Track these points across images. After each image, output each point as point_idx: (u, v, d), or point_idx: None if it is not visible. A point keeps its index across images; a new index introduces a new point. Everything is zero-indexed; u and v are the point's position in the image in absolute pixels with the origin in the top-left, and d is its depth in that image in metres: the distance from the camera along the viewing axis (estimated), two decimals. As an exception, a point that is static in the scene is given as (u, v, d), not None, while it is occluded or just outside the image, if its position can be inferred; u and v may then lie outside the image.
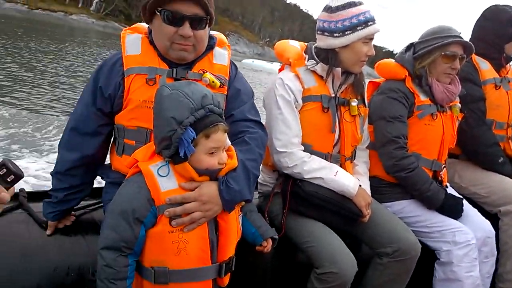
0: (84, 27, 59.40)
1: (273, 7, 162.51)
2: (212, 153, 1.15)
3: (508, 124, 2.05)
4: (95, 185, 1.54)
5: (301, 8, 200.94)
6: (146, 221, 1.11)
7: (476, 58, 2.03)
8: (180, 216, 1.12)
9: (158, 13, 1.28)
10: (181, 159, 1.12)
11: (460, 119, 1.90)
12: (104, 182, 1.49)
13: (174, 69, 1.35)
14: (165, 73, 1.35)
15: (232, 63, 1.51)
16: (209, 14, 1.32)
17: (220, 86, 1.39)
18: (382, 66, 1.95)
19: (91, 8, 72.51)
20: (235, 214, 1.24)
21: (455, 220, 1.74)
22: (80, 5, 72.50)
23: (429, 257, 1.71)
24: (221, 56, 1.47)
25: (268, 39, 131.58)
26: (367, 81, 1.86)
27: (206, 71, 1.38)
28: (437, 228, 1.72)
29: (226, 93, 1.42)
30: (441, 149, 1.83)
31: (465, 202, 1.83)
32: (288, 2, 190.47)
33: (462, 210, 1.76)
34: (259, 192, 1.82)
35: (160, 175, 1.13)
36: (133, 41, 1.40)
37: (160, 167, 1.15)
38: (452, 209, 1.75)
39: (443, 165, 1.86)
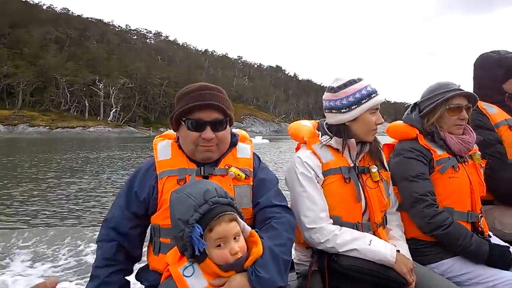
0: (100, 136, 64.60)
1: (286, 86, 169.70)
2: (220, 245, 1.18)
3: None
4: None
5: (314, 82, 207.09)
6: None
7: (482, 104, 2.11)
8: None
9: (183, 122, 1.51)
10: (201, 257, 1.18)
11: (483, 165, 1.91)
12: None
13: (202, 168, 1.52)
14: (194, 172, 1.51)
15: (255, 155, 1.67)
16: (228, 116, 1.52)
17: (245, 178, 1.52)
18: (392, 129, 2.05)
19: (109, 119, 78.93)
20: None
21: (508, 271, 1.66)
22: (99, 118, 79.70)
23: None
24: (244, 150, 1.64)
25: (284, 115, 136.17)
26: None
27: (231, 166, 1.53)
28: (491, 283, 1.65)
29: (252, 184, 1.55)
30: (473, 199, 1.82)
31: None
32: (300, 79, 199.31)
33: (511, 259, 1.69)
34: (296, 273, 1.84)
35: (186, 276, 1.18)
36: (164, 147, 1.61)
37: (185, 268, 1.21)
38: (501, 260, 1.69)
39: (480, 215, 1.84)
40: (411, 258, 1.66)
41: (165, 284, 1.25)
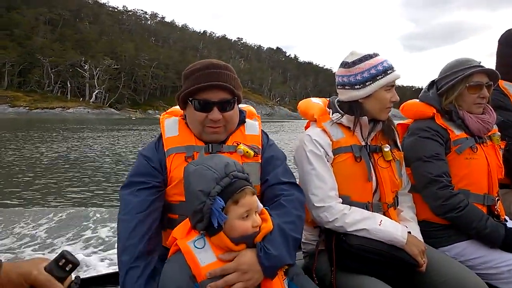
0: (78, 117, 64.24)
1: (285, 68, 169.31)
2: (246, 216, 1.21)
3: None
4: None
5: (314, 64, 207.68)
6: None
7: (504, 84, 2.05)
8: None
9: (190, 102, 1.50)
10: (216, 230, 1.20)
11: (503, 147, 1.89)
12: None
13: (210, 145, 1.52)
14: (202, 149, 1.51)
15: (263, 132, 1.66)
16: (236, 96, 1.50)
17: (254, 155, 1.52)
18: (408, 107, 2.02)
19: (91, 100, 78.82)
20: (279, 280, 1.25)
21: None
22: (84, 100, 79.81)
23: None
24: (252, 127, 1.63)
25: (279, 98, 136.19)
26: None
27: (240, 143, 1.53)
28: (505, 268, 1.64)
29: (260, 161, 1.55)
30: (490, 182, 1.80)
31: None
32: (300, 61, 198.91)
33: None
34: (303, 252, 1.82)
35: (197, 248, 1.21)
36: (171, 124, 1.61)
37: (196, 240, 1.23)
38: None
39: (497, 198, 1.83)
40: (422, 240, 1.65)
41: (173, 258, 1.26)
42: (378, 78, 1.64)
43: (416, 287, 1.60)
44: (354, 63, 1.68)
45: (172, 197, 1.49)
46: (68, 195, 8.74)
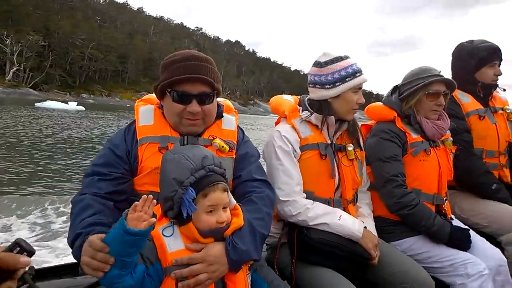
0: None
1: (241, 62, 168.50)
2: (211, 211, 1.24)
3: (499, 152, 2.25)
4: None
5: (273, 60, 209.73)
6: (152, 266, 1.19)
7: (457, 93, 2.27)
8: (187, 278, 1.19)
9: (168, 93, 1.49)
10: (185, 220, 1.23)
11: (454, 151, 2.11)
12: None
13: (185, 137, 1.53)
14: (177, 141, 1.51)
15: (239, 128, 1.70)
16: (215, 89, 1.52)
17: (229, 150, 1.56)
18: (371, 110, 2.18)
19: (7, 78, 72.14)
20: (242, 274, 1.30)
21: (465, 252, 1.86)
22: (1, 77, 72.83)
23: None
24: (229, 122, 1.67)
25: (229, 92, 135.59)
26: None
27: (216, 137, 1.55)
28: (448, 262, 1.83)
29: (234, 157, 1.59)
30: (440, 183, 2.00)
31: (472, 232, 1.97)
32: (258, 56, 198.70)
33: (470, 241, 1.90)
34: (266, 244, 1.88)
35: (165, 235, 1.22)
36: (146, 112, 1.59)
37: (165, 227, 1.25)
38: (460, 241, 1.88)
39: (445, 198, 2.04)
40: (376, 235, 1.80)
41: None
42: (347, 80, 1.75)
43: (369, 279, 1.74)
44: (326, 63, 1.79)
45: (142, 186, 1.49)
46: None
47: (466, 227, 1.99)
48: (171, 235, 1.22)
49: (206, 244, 1.24)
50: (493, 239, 2.04)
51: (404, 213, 1.88)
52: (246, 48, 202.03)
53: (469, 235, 1.89)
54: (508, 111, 2.32)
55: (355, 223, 1.70)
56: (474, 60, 2.29)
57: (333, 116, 1.78)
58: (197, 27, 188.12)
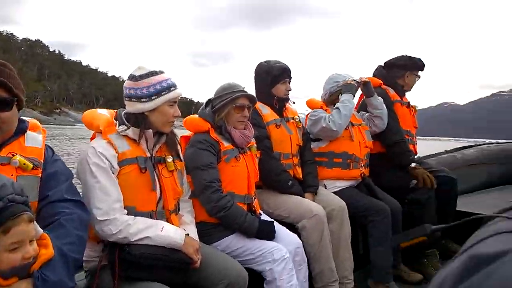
0: None
1: (43, 64, 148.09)
2: (15, 248, 1.11)
3: (292, 154, 2.68)
4: None
5: (84, 64, 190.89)
6: None
7: (259, 105, 2.62)
8: None
9: None
10: None
11: (258, 156, 2.42)
12: None
13: None
14: None
15: (48, 146, 1.56)
16: (16, 96, 1.37)
17: (33, 168, 1.41)
18: (189, 122, 2.33)
19: None
20: None
21: (271, 241, 2.17)
22: None
23: (260, 280, 2.08)
24: (34, 139, 1.51)
25: (26, 98, 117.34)
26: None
27: (16, 154, 1.39)
28: (259, 253, 2.11)
29: (40, 175, 1.44)
30: (249, 184, 2.30)
31: (276, 224, 2.33)
32: (67, 59, 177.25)
33: (274, 231, 2.23)
34: (85, 271, 1.75)
35: None
36: None
37: None
38: (266, 233, 2.19)
39: (254, 197, 2.35)
40: (198, 239, 1.93)
41: None
42: (163, 93, 1.81)
43: (193, 282, 1.85)
44: (141, 77, 1.81)
45: None
46: None
47: (272, 219, 2.33)
48: None
49: (9, 286, 1.09)
50: (292, 227, 2.45)
51: (221, 215, 2.07)
52: (51, 49, 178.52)
53: (274, 227, 2.21)
54: (297, 119, 2.83)
55: (177, 232, 1.77)
56: (270, 77, 2.70)
57: (151, 130, 1.82)
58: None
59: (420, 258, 3.05)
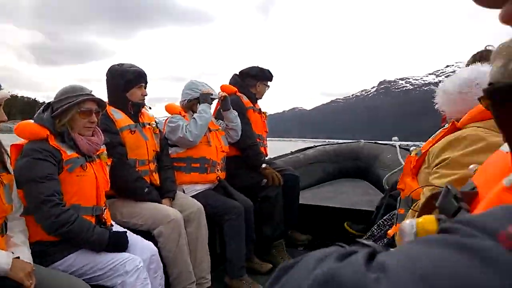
0: None
1: None
2: None
3: (149, 160, 2.60)
4: None
5: None
6: None
7: (111, 110, 2.45)
8: None
9: None
10: None
11: (109, 164, 2.23)
12: None
13: None
14: None
15: None
16: None
17: None
18: (21, 128, 2.02)
19: None
20: None
21: (124, 253, 2.07)
22: None
23: None
24: None
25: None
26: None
27: None
28: (110, 266, 1.99)
29: None
30: (98, 194, 2.14)
31: (130, 233, 2.23)
32: None
33: (127, 242, 2.13)
34: None
35: None
36: None
37: None
38: (118, 244, 2.08)
39: (104, 208, 2.19)
40: (32, 262, 1.71)
41: None
42: None
43: None
44: None
45: None
46: None
47: (125, 229, 2.24)
48: None
49: None
50: (149, 234, 2.40)
51: (63, 230, 1.87)
52: None
53: (126, 237, 2.12)
54: (154, 125, 2.77)
55: (2, 256, 1.56)
56: (124, 81, 2.58)
57: None
58: None
59: (270, 249, 3.39)
